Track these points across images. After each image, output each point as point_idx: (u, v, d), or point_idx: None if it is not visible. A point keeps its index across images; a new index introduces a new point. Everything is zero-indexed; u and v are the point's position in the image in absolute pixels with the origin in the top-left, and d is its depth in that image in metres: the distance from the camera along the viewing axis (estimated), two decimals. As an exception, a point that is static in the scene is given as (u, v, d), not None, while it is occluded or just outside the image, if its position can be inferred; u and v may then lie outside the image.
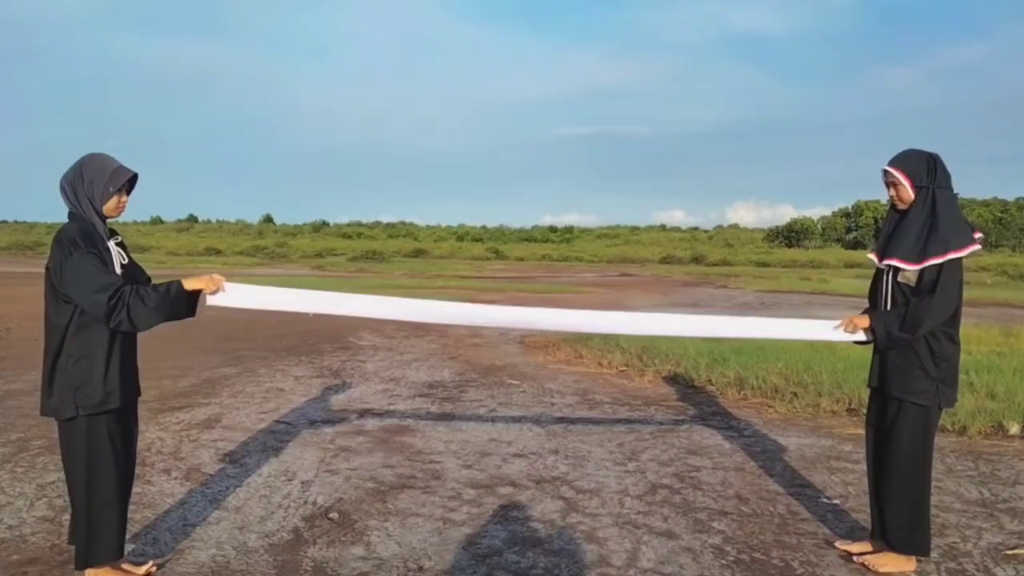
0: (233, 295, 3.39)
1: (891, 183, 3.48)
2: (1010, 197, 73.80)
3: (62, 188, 3.08)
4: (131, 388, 3.20)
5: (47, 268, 3.02)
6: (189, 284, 3.17)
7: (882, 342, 3.47)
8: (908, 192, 3.42)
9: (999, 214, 65.54)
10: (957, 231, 3.34)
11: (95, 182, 3.06)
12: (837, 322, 3.64)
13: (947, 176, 3.42)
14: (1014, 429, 5.77)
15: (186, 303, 3.18)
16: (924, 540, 3.48)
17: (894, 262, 3.44)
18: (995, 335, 10.20)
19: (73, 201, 3.07)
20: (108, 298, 2.92)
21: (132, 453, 3.31)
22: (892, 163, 3.46)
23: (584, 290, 22.58)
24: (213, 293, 3.30)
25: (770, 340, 4.94)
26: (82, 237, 3.00)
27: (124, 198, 3.18)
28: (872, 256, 3.64)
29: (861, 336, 3.59)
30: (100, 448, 3.08)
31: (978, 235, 3.43)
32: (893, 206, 3.55)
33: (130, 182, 3.17)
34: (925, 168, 3.40)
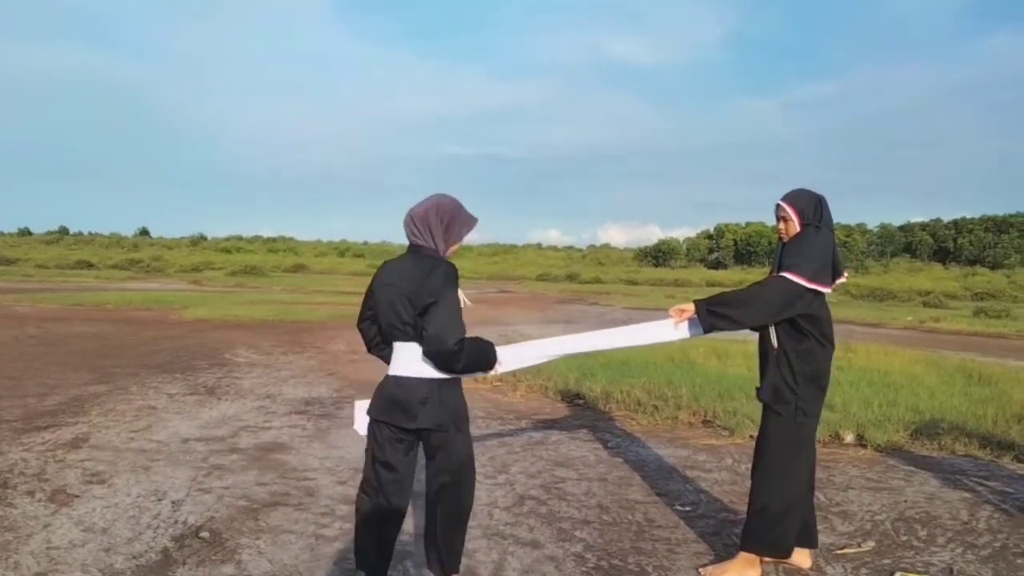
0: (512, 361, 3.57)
1: (781, 217, 3.69)
2: (852, 222, 79.74)
3: (416, 224, 3.14)
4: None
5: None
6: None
7: (702, 317, 3.57)
8: (795, 227, 3.64)
9: (843, 238, 69.65)
10: (808, 261, 3.51)
11: (452, 226, 3.17)
12: (672, 320, 3.67)
13: (830, 218, 3.67)
14: (849, 438, 6.31)
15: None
16: (767, 539, 3.61)
17: None
18: (836, 351, 10.98)
19: (427, 239, 3.13)
20: (456, 342, 3.03)
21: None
22: (785, 199, 3.68)
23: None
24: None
25: (618, 349, 4.98)
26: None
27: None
28: None
29: (685, 332, 3.70)
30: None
31: (841, 280, 3.68)
32: (780, 239, 3.75)
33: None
34: (813, 207, 3.63)
